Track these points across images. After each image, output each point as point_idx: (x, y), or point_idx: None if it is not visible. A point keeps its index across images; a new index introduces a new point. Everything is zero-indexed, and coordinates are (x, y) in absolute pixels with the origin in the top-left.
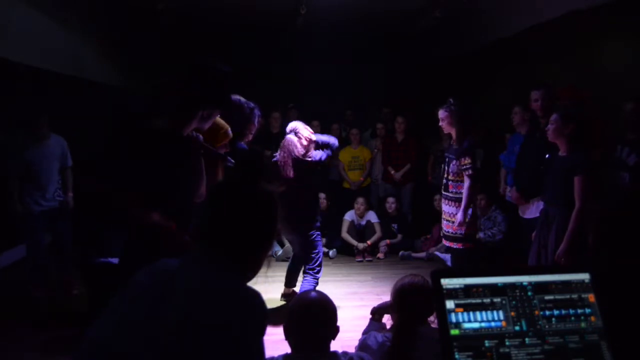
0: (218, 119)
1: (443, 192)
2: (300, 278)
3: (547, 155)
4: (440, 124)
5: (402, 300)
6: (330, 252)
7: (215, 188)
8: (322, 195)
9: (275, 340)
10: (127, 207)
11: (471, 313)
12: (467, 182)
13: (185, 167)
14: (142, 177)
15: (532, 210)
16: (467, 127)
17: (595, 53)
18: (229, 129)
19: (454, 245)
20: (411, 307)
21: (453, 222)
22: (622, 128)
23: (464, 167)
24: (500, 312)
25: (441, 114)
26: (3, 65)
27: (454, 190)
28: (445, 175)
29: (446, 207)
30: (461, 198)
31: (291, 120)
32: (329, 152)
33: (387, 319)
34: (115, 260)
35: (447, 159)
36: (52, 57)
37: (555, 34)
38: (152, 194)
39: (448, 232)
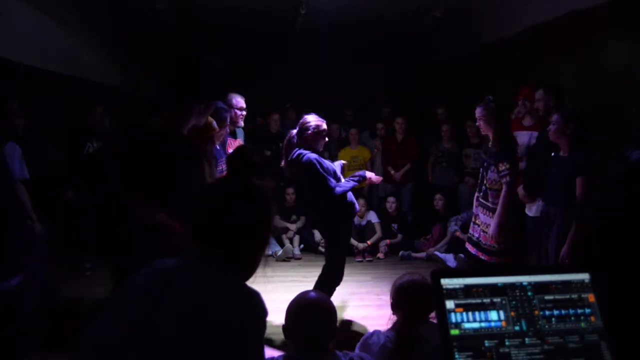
0: None
1: (480, 200)
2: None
3: (552, 154)
4: (477, 123)
5: (402, 299)
6: None
7: (209, 186)
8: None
9: (275, 340)
10: (131, 206)
11: (471, 313)
12: (503, 190)
13: (186, 165)
14: (143, 177)
15: (535, 209)
16: (506, 126)
17: (595, 53)
18: (214, 122)
19: (492, 260)
20: (411, 305)
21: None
22: (633, 132)
23: (502, 172)
24: (500, 312)
25: (478, 112)
26: (3, 65)
27: (493, 200)
28: (485, 182)
29: (484, 218)
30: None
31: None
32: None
33: (387, 319)
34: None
35: (485, 164)
36: (52, 57)
37: (555, 34)
38: (153, 194)
39: (486, 244)
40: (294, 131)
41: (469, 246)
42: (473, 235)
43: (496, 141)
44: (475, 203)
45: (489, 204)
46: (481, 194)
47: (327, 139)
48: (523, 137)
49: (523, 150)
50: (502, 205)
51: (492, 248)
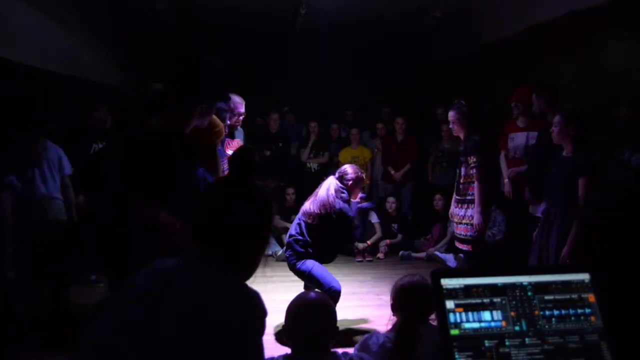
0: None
1: (455, 196)
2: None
3: (553, 155)
4: (450, 125)
5: (402, 300)
6: None
7: (210, 186)
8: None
9: (275, 340)
10: (131, 206)
11: (471, 313)
12: (476, 182)
13: (186, 165)
14: (143, 177)
15: (540, 209)
16: (477, 128)
17: (595, 53)
18: (223, 127)
19: (465, 248)
20: (411, 306)
21: (465, 225)
22: (621, 132)
23: (472, 165)
24: (500, 312)
25: (451, 115)
26: (3, 65)
27: (465, 193)
28: (458, 179)
29: (456, 210)
30: (472, 200)
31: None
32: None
33: (387, 320)
34: None
35: (460, 163)
36: (52, 57)
37: (555, 34)
38: (153, 194)
39: (460, 234)
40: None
41: (457, 243)
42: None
43: (466, 141)
44: (452, 206)
45: (460, 197)
46: (455, 191)
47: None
48: (520, 138)
49: (522, 151)
50: (478, 195)
51: (464, 237)
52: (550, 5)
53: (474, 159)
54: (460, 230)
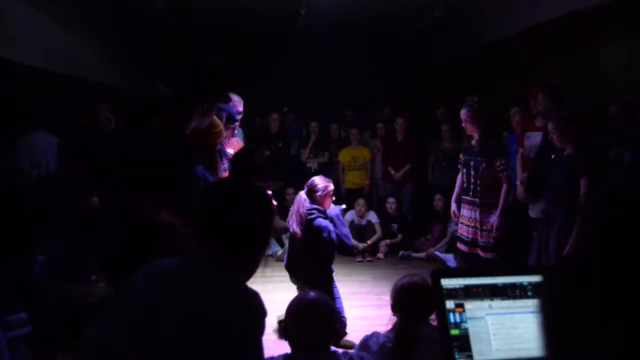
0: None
1: (470, 198)
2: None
3: (552, 156)
4: (463, 124)
5: (402, 300)
6: None
7: (210, 186)
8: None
9: (274, 340)
10: (130, 206)
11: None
12: (505, 185)
13: (186, 165)
14: (143, 176)
15: (536, 210)
16: (490, 126)
17: (595, 53)
18: (223, 127)
19: (490, 256)
20: (411, 306)
21: (487, 231)
22: (612, 129)
23: (500, 167)
24: None
25: (464, 114)
26: (3, 65)
27: (487, 195)
28: (473, 180)
29: (471, 214)
30: (495, 203)
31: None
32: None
33: (387, 320)
34: None
35: (472, 163)
36: (52, 57)
37: (555, 34)
38: (153, 194)
39: (484, 242)
40: (303, 195)
41: (461, 246)
42: (463, 235)
43: (483, 140)
44: (463, 208)
45: (479, 200)
46: (470, 192)
47: (333, 198)
48: (536, 138)
49: (536, 150)
50: (503, 198)
51: (488, 244)
52: (550, 5)
53: (502, 161)
54: (484, 238)
